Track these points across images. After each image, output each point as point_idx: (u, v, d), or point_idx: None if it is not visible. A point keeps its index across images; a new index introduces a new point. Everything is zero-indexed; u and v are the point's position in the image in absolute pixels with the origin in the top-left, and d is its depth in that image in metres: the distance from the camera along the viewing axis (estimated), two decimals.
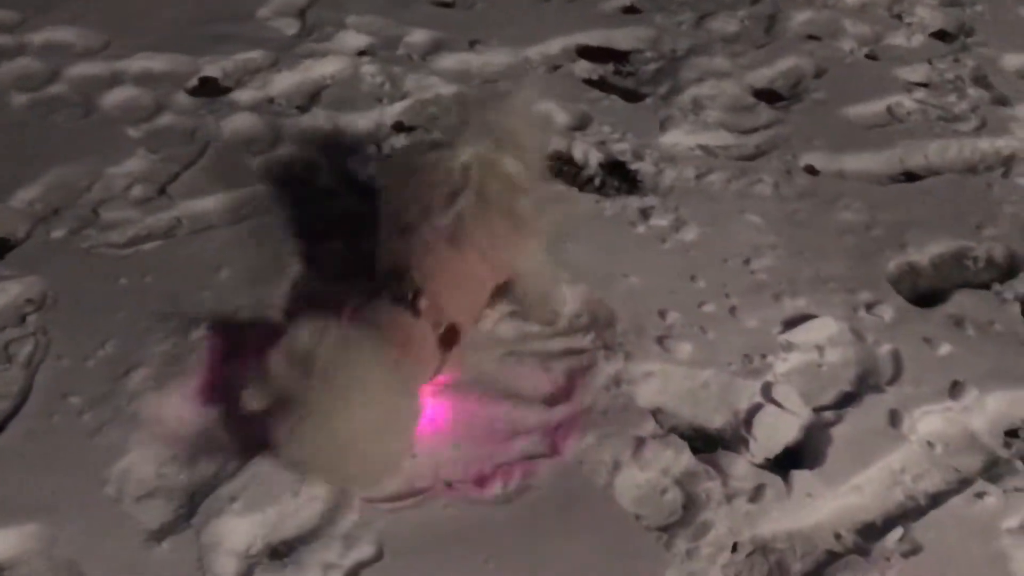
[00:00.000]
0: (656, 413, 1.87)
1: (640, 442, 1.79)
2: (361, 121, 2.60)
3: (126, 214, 2.22)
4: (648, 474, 1.76)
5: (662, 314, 2.05)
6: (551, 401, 1.88)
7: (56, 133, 2.47)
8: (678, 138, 2.61)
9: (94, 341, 1.89)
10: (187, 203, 2.26)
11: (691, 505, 1.71)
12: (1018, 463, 1.83)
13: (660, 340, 1.99)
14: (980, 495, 1.74)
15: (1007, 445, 1.89)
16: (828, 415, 1.88)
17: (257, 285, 2.04)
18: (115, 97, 2.60)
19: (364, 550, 1.59)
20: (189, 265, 2.09)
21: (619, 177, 2.48)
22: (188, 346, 1.88)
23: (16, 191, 2.25)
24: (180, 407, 1.77)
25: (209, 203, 2.27)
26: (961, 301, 2.17)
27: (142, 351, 1.87)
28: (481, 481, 1.73)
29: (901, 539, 1.67)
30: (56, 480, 1.65)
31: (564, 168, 2.51)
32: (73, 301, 1.99)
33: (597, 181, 2.48)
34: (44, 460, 1.68)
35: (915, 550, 1.65)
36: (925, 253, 2.32)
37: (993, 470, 1.81)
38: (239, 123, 2.54)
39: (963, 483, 1.78)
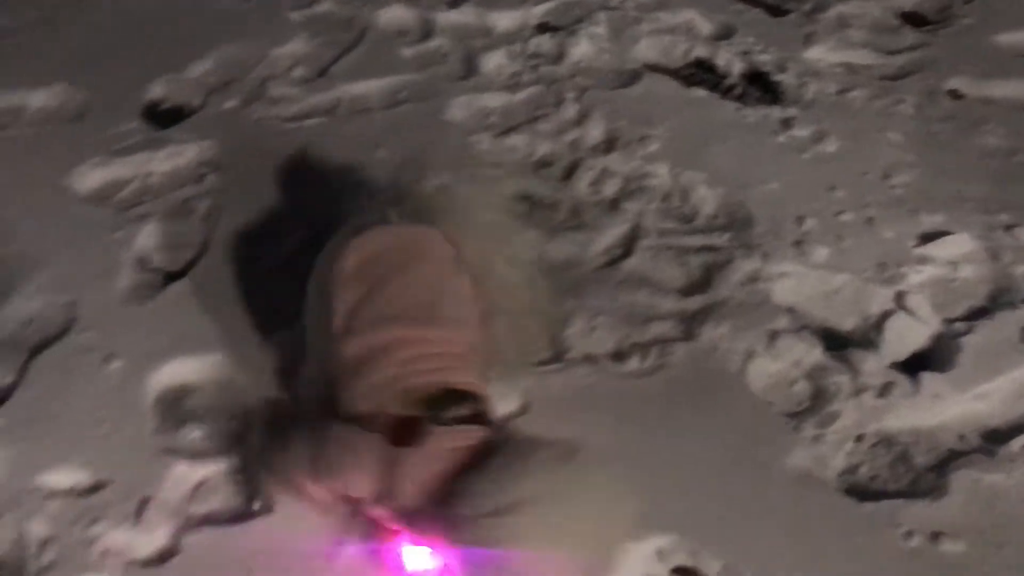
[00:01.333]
0: (789, 311, 1.94)
1: (773, 335, 1.87)
2: (504, 21, 2.67)
3: (290, 91, 2.36)
4: (779, 365, 1.83)
5: (799, 220, 2.10)
6: (687, 291, 1.97)
7: (223, 15, 2.61)
8: (821, 54, 2.62)
9: (265, 201, 2.05)
10: (346, 86, 2.39)
11: (820, 396, 1.78)
12: None
13: (797, 244, 2.05)
14: None
15: None
16: (959, 326, 1.92)
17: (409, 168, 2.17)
18: None
19: (511, 404, 1.71)
20: (351, 142, 2.22)
21: (761, 88, 2.51)
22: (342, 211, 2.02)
23: (190, 64, 2.42)
24: None
25: (366, 87, 2.39)
26: None
27: (306, 212, 2.02)
28: (619, 356, 1.83)
29: None
30: (237, 319, 1.81)
31: (706, 76, 2.55)
32: (245, 165, 2.14)
33: (739, 90, 2.51)
34: (223, 300, 1.85)
35: None
36: None
37: None
38: (392, 15, 2.65)
39: None
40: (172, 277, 1.92)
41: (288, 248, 1.96)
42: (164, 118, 2.30)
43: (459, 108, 2.35)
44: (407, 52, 2.53)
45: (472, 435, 1.33)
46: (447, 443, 1.31)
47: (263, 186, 2.09)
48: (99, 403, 1.67)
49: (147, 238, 1.99)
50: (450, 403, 1.37)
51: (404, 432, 1.32)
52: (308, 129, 2.25)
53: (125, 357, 1.75)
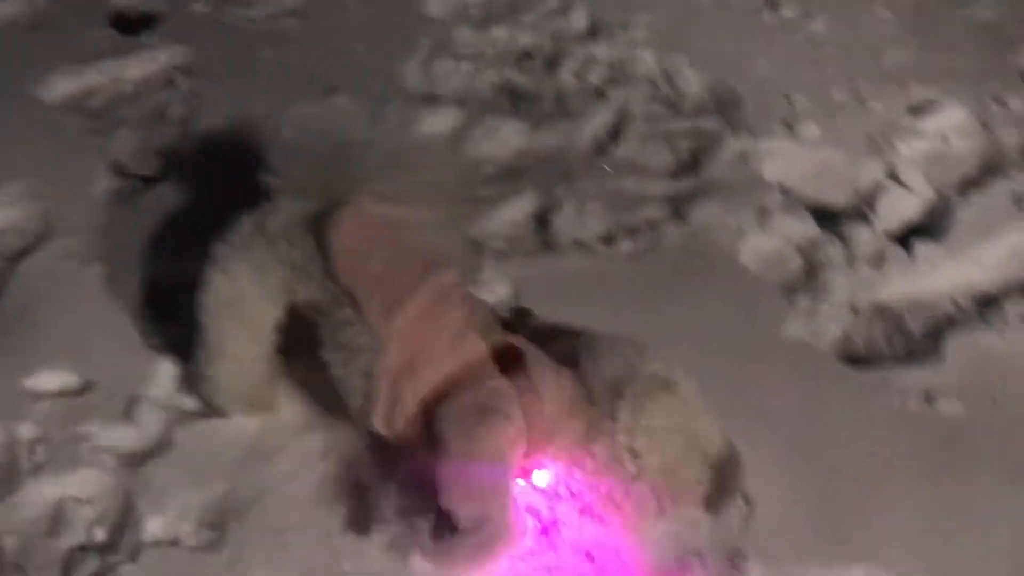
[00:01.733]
0: (781, 188, 1.91)
1: (764, 212, 1.84)
2: None
3: None
4: (772, 241, 1.81)
5: (788, 98, 2.07)
6: (675, 174, 1.94)
7: None
8: None
9: (240, 103, 1.99)
10: None
11: (813, 269, 1.76)
12: None
13: (786, 121, 2.02)
14: None
15: None
16: (952, 195, 1.90)
17: (389, 63, 2.11)
18: None
19: (501, 291, 1.69)
20: (326, 40, 2.16)
21: None
22: (327, 111, 1.97)
23: None
24: None
25: None
26: None
27: (286, 112, 1.96)
28: (609, 240, 1.81)
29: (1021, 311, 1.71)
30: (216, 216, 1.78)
31: None
32: (218, 69, 2.09)
33: None
34: (203, 201, 1.81)
35: None
36: None
37: None
38: None
39: None
40: (149, 182, 1.88)
41: (265, 152, 1.92)
42: (133, 25, 2.23)
43: (437, 2, 2.29)
44: None
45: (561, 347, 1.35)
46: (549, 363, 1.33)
47: (238, 88, 2.04)
48: (82, 307, 1.64)
49: (122, 144, 1.95)
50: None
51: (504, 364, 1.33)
52: (281, 28, 2.20)
53: (105, 262, 1.72)
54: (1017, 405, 1.56)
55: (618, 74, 2.14)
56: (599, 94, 2.09)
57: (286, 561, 1.33)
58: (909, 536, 1.37)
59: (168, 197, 1.83)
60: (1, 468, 1.45)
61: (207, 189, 1.83)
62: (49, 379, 1.55)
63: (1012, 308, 1.71)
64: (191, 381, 1.53)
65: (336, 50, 2.14)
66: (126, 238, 1.75)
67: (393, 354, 1.32)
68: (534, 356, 1.33)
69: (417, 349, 1.32)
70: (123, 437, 1.48)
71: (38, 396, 1.52)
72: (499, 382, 1.31)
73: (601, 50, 2.18)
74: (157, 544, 1.37)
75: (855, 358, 1.64)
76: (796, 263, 1.79)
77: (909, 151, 1.98)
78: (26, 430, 1.48)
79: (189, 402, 1.53)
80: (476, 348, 1.34)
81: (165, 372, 1.56)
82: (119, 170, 1.90)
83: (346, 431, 1.45)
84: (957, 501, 1.42)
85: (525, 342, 1.36)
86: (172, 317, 1.65)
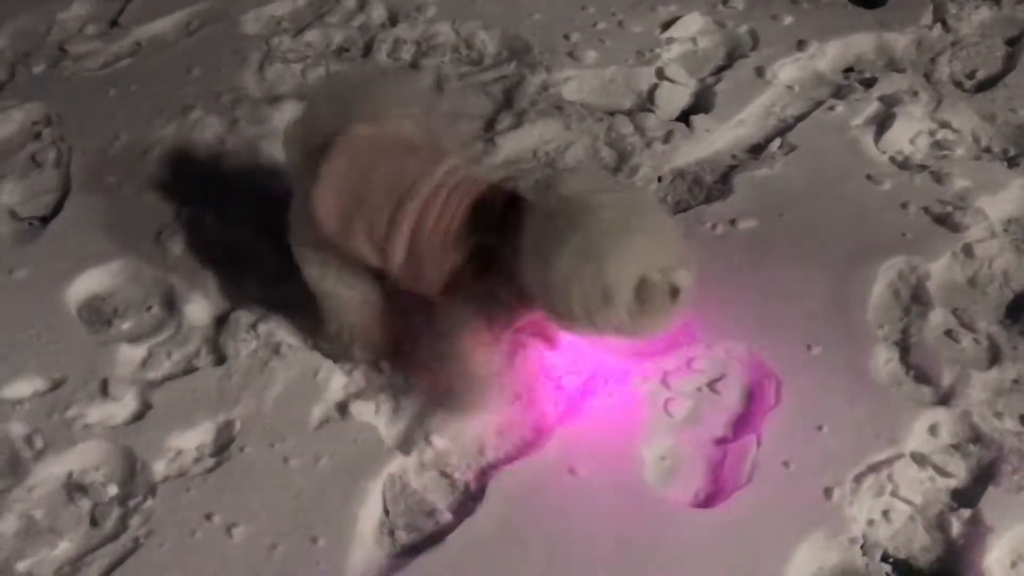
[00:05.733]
0: (580, 104, 2.34)
1: (571, 123, 2.26)
2: None
3: (90, 47, 2.53)
4: (583, 140, 2.23)
5: (566, 36, 2.51)
6: (496, 113, 2.32)
7: None
8: None
9: (107, 136, 2.24)
10: (140, 29, 2.58)
11: (623, 156, 2.19)
12: (856, 86, 2.37)
13: (570, 53, 2.45)
14: (832, 108, 2.28)
15: (846, 77, 2.43)
16: (709, 80, 2.39)
17: (229, 76, 2.40)
18: None
19: None
20: (164, 71, 2.42)
21: None
22: (190, 125, 2.24)
23: None
24: None
25: (159, 25, 2.59)
26: None
27: (152, 134, 2.23)
28: None
29: (780, 146, 2.20)
30: (122, 230, 2.02)
31: None
32: (75, 114, 2.31)
33: None
34: (105, 221, 2.04)
35: (792, 149, 2.18)
36: None
37: (839, 94, 2.35)
38: None
39: (818, 104, 2.31)
40: (47, 220, 2.09)
41: (143, 164, 2.17)
42: None
43: (251, 22, 2.59)
44: None
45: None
46: None
47: (99, 127, 2.27)
48: (28, 323, 1.85)
49: (10, 195, 2.14)
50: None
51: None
52: (120, 70, 2.44)
53: (37, 282, 1.93)
54: (797, 214, 2.03)
55: (425, 48, 2.52)
56: (414, 66, 2.46)
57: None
58: (740, 314, 1.82)
59: (70, 224, 2.05)
60: (6, 463, 1.65)
61: (103, 209, 2.07)
62: (21, 386, 1.75)
63: (774, 147, 2.20)
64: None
65: (175, 77, 2.40)
66: (47, 262, 1.96)
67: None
68: None
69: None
70: (107, 411, 1.72)
71: (17, 401, 1.73)
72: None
73: (405, 32, 2.55)
74: (167, 480, 1.62)
75: (670, 207, 2.08)
76: (609, 154, 2.21)
77: (669, 55, 2.46)
78: (17, 428, 1.69)
79: (155, 373, 1.79)
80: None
81: (124, 355, 1.80)
82: (15, 216, 2.10)
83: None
84: (769, 287, 1.88)
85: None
86: (114, 316, 1.90)
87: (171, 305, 1.90)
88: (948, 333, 1.82)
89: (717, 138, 2.24)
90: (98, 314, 1.91)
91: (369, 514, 1.58)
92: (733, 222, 2.02)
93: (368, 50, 2.52)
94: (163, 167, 2.15)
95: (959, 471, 1.63)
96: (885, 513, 1.57)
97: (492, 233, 1.50)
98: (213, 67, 2.42)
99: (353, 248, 1.59)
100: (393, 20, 2.60)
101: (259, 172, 2.14)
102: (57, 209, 2.10)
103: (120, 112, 2.30)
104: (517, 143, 2.22)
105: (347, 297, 1.71)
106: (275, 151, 2.09)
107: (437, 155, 1.59)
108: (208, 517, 1.56)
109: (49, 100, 2.35)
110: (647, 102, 2.36)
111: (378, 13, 2.62)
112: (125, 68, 2.45)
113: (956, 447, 1.66)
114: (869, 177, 2.10)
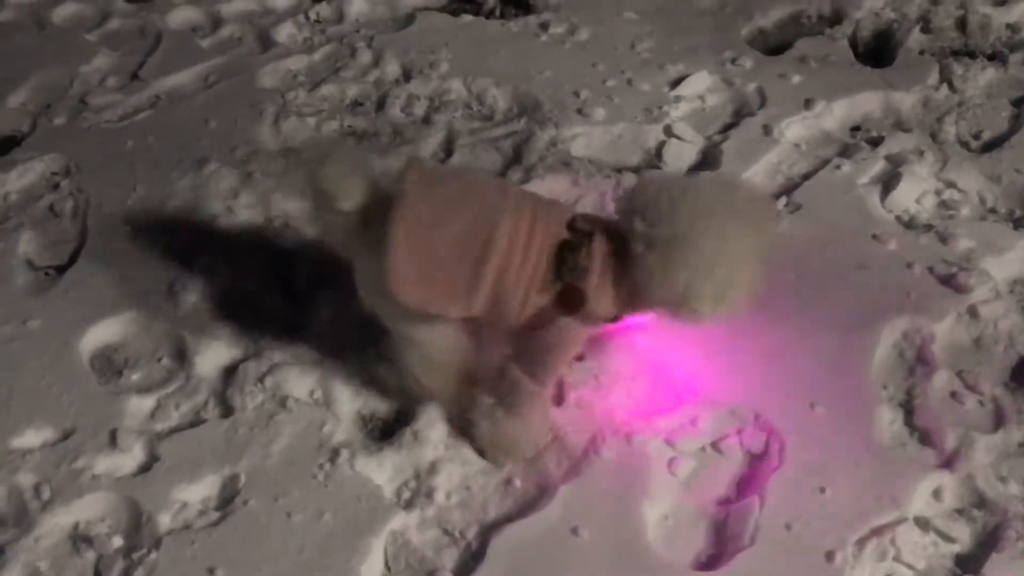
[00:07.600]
0: (588, 160, 2.37)
1: (578, 179, 2.29)
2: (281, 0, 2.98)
3: (110, 99, 2.59)
4: (591, 195, 2.26)
5: (576, 93, 2.55)
6: (505, 168, 2.36)
7: (24, 48, 2.79)
8: None
9: (125, 187, 2.28)
10: (159, 83, 2.64)
11: None
12: (862, 145, 2.39)
13: (579, 110, 2.49)
14: (838, 166, 2.31)
15: (853, 136, 2.46)
16: (717, 138, 2.42)
17: (244, 129, 2.45)
18: (61, 13, 2.92)
19: None
20: (181, 123, 2.48)
21: (514, 4, 2.96)
22: (205, 177, 2.29)
23: (6, 98, 2.60)
24: None
25: (178, 79, 2.65)
26: (802, 46, 2.74)
27: (169, 187, 2.27)
28: None
29: (786, 204, 2.22)
30: (136, 281, 2.05)
31: (467, 6, 2.97)
32: (93, 165, 2.36)
33: (497, 12, 2.95)
34: (120, 271, 2.08)
35: (798, 207, 2.20)
36: (769, 19, 2.88)
37: (845, 152, 2.37)
38: (181, 15, 2.91)
39: (824, 162, 2.34)
40: (61, 270, 2.13)
41: (158, 215, 2.21)
42: (1, 148, 2.47)
43: (268, 76, 2.65)
44: (205, 43, 2.80)
45: None
46: None
47: (116, 178, 2.32)
48: (40, 373, 1.88)
49: (27, 244, 2.18)
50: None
51: None
52: (139, 122, 2.49)
53: (50, 332, 1.96)
54: (802, 272, 2.04)
55: (438, 103, 2.57)
56: (426, 122, 2.51)
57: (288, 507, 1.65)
58: (744, 373, 1.83)
59: (86, 274, 2.08)
60: (13, 513, 1.67)
61: (118, 260, 2.11)
62: (32, 436, 1.78)
63: (780, 205, 2.22)
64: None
65: (193, 130, 2.45)
66: (60, 313, 1.99)
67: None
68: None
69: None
70: (115, 462, 1.74)
71: (27, 451, 1.75)
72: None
73: (418, 87, 2.61)
74: (172, 532, 1.63)
75: None
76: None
77: (677, 113, 2.50)
78: (26, 478, 1.71)
79: (163, 424, 1.81)
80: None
81: (133, 405, 1.83)
82: (32, 266, 2.14)
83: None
84: (773, 345, 1.89)
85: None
86: (124, 367, 1.93)
87: (181, 356, 1.92)
88: (953, 395, 1.82)
89: None
90: (109, 364, 1.94)
91: (370, 570, 1.59)
92: None
93: (381, 105, 2.57)
94: (178, 218, 2.19)
95: (963, 536, 1.62)
96: None
97: (578, 275, 1.58)
98: (230, 120, 2.48)
99: (435, 309, 1.59)
100: (407, 76, 2.65)
101: (272, 225, 2.18)
102: (73, 259, 2.14)
103: (138, 163, 2.35)
104: None
105: (429, 339, 1.71)
106: (288, 204, 2.14)
107: (500, 194, 1.61)
108: (211, 571, 1.57)
109: (69, 151, 2.40)
110: (655, 159, 2.39)
111: (392, 68, 2.67)
112: (143, 120, 2.50)
113: (960, 511, 1.66)
114: (874, 236, 2.11)
